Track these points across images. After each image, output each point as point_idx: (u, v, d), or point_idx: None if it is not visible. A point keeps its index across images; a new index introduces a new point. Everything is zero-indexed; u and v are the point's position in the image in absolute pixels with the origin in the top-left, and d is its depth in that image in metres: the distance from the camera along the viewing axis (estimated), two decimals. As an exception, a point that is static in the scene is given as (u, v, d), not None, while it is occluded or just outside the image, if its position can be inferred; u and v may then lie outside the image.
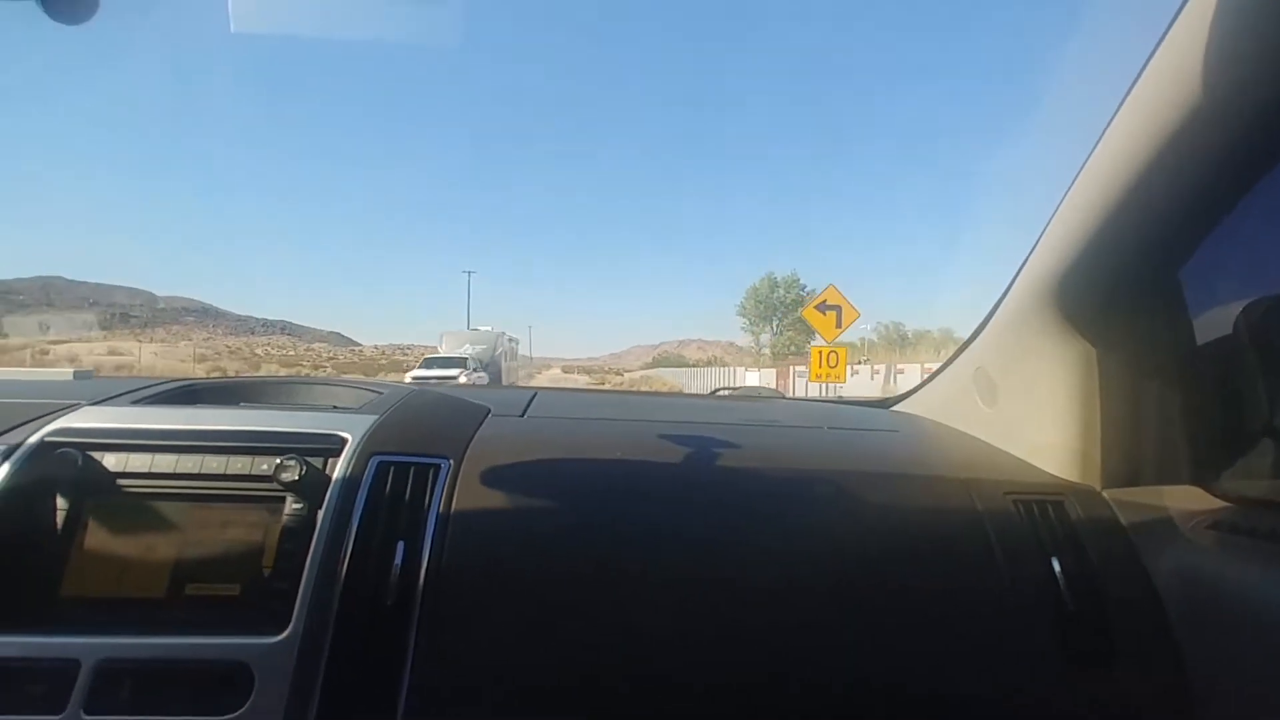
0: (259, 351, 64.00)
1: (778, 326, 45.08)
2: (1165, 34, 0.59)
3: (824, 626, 0.73)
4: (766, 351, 44.20)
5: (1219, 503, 0.78)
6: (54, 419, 0.78)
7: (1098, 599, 0.76)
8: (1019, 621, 0.75)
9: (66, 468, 0.71)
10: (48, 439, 0.74)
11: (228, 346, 72.02)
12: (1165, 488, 0.83)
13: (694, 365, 51.44)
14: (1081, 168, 0.73)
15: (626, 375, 61.93)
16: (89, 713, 0.61)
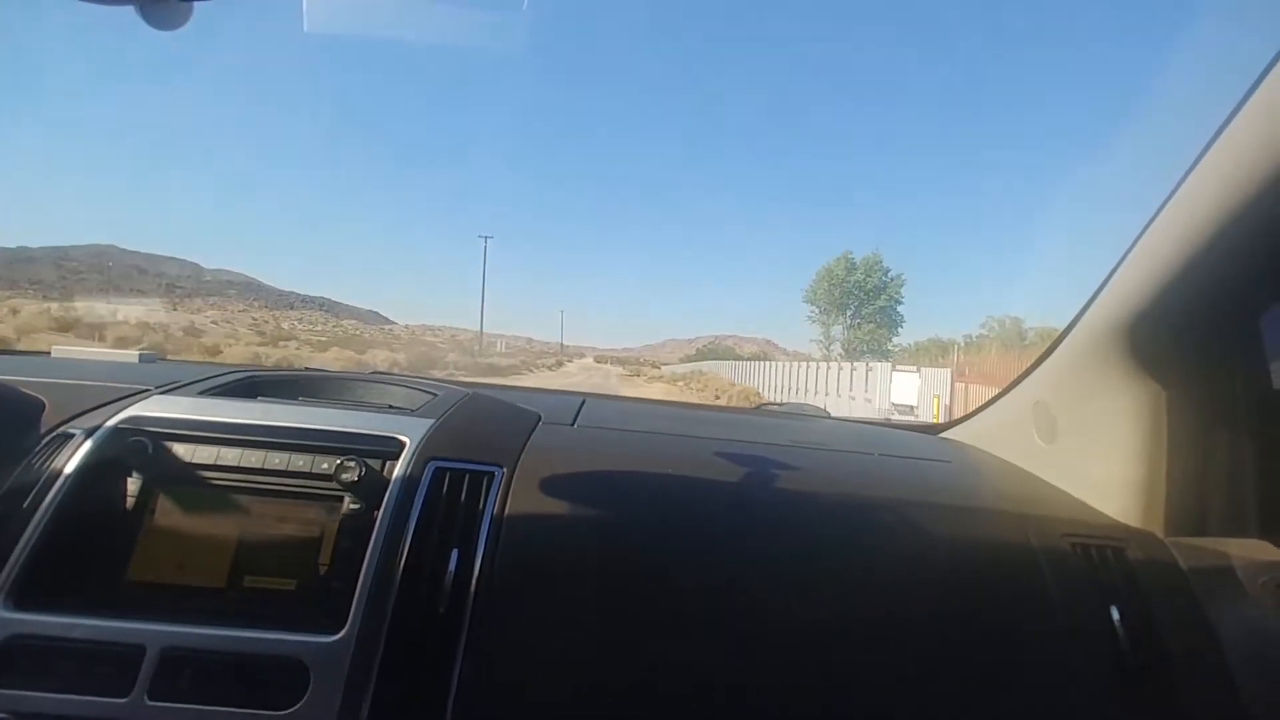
0: (284, 325, 59.81)
1: (852, 317, 36.97)
2: (1264, 74, 0.57)
3: (870, 655, 0.74)
4: (838, 347, 36.30)
5: None
6: (126, 406, 0.82)
7: (1159, 651, 0.75)
8: (1075, 669, 0.74)
9: (137, 455, 0.75)
10: (120, 426, 0.78)
11: (253, 319, 68.05)
12: (1231, 540, 0.82)
13: (749, 359, 43.57)
14: (1166, 200, 0.70)
15: (665, 369, 54.51)
16: (153, 698, 0.64)
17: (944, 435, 1.29)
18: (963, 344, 32.67)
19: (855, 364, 17.70)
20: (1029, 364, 1.06)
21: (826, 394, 18.72)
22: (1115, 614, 0.75)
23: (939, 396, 14.23)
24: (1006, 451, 1.09)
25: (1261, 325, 0.74)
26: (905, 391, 15.28)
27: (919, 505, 0.86)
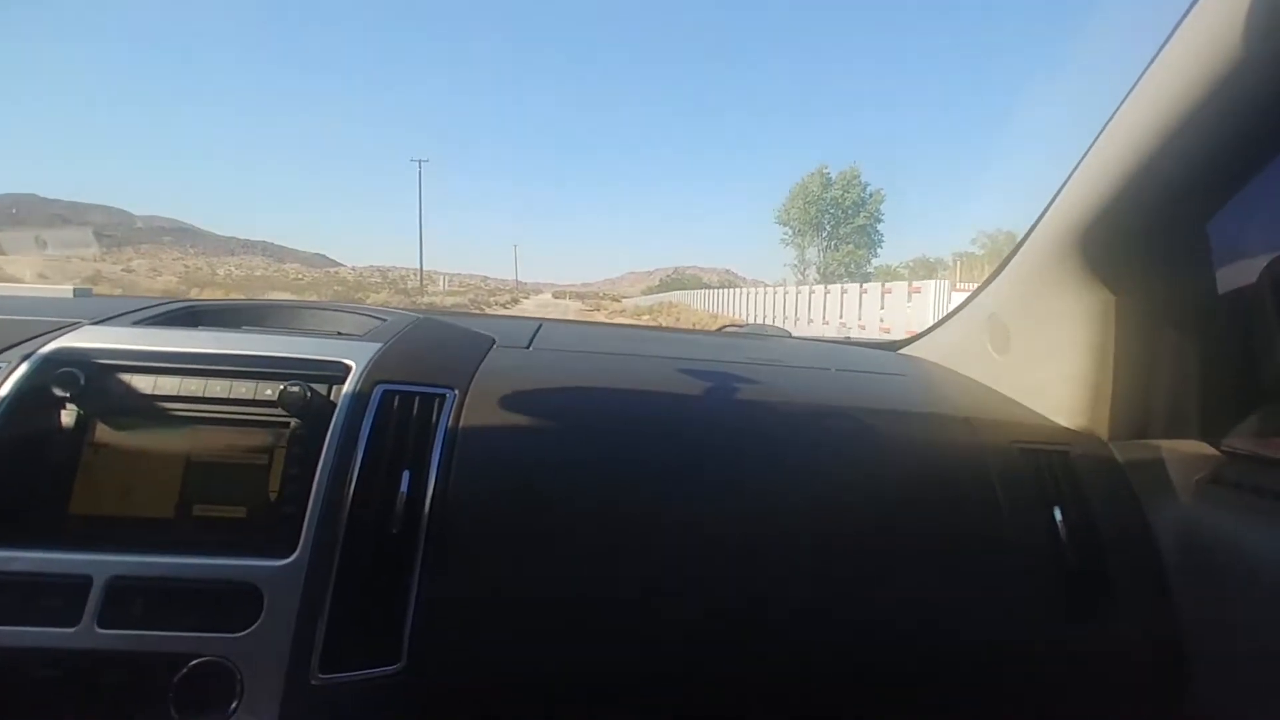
0: (219, 273, 53.36)
1: (829, 237, 33.38)
2: None
3: (826, 565, 0.75)
4: (813, 271, 32.79)
5: (1224, 458, 0.78)
6: (56, 337, 0.77)
7: (1097, 551, 0.76)
8: (1019, 570, 0.76)
9: (69, 387, 0.71)
10: (50, 357, 0.74)
11: (185, 266, 61.09)
12: (1172, 441, 0.82)
13: (719, 287, 39.76)
14: (1116, 110, 0.70)
15: (627, 301, 50.52)
16: (102, 626, 0.63)
17: (902, 351, 1.28)
18: (953, 262, 29.66)
19: (867, 285, 13.85)
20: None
21: (843, 323, 14.66)
22: (1058, 514, 0.76)
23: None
24: (962, 364, 1.09)
25: (1208, 233, 0.73)
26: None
27: (874, 416, 0.87)
